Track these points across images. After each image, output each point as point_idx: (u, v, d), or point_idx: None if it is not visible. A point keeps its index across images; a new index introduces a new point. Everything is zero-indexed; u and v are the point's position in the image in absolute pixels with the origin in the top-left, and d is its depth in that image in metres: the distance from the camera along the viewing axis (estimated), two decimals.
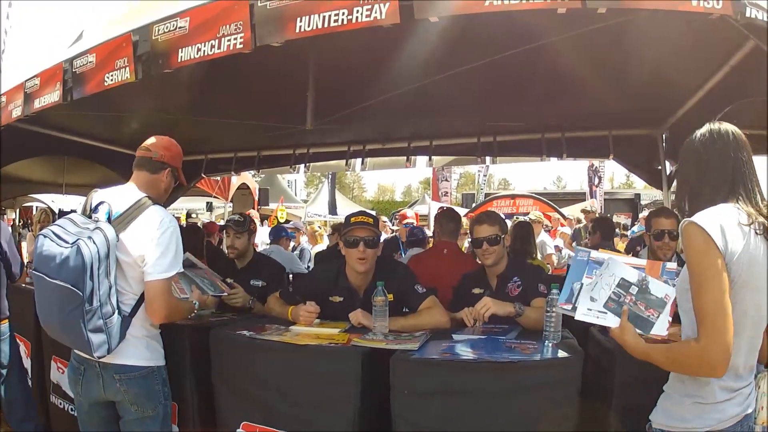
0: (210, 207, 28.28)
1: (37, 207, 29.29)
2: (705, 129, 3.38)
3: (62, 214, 15.69)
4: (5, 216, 21.23)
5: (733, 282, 3.01)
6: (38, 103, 6.05)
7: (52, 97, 5.84)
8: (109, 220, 4.45)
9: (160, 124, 8.22)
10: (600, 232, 10.94)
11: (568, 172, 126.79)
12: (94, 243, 4.21)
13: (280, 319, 5.71)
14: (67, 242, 4.28)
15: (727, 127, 3.33)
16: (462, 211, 24.02)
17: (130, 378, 4.54)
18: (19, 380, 6.87)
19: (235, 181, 21.25)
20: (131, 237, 4.45)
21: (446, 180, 36.33)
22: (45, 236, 4.39)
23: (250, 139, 10.52)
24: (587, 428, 4.16)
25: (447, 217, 8.41)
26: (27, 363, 7.33)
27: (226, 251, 7.49)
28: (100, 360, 4.44)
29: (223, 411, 5.05)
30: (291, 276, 9.16)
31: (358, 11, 3.98)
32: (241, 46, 4.46)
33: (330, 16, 4.08)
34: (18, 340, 7.28)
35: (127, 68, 5.16)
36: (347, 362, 4.56)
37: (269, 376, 4.84)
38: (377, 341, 4.86)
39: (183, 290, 5.44)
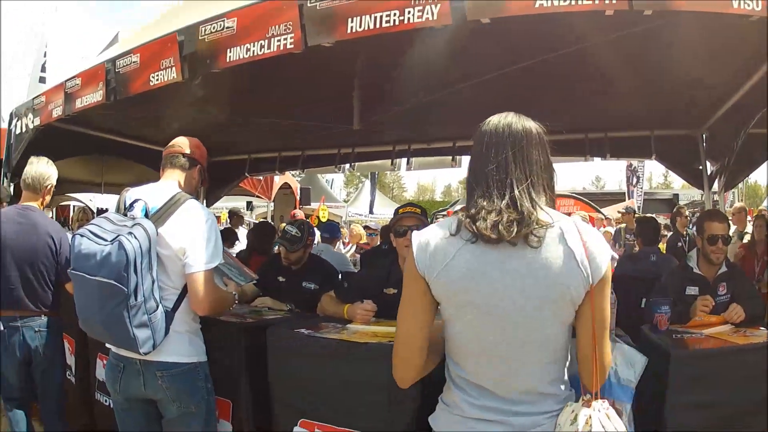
0: (250, 206, 28.44)
1: (75, 206, 29.52)
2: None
3: (101, 212, 15.91)
4: None
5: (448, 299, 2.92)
6: (80, 103, 6.16)
7: (94, 96, 5.94)
8: (146, 216, 4.45)
9: (204, 124, 8.38)
10: (641, 238, 10.35)
11: (606, 172, 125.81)
12: (136, 238, 4.19)
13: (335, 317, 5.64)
14: (105, 240, 4.25)
15: (492, 120, 3.05)
16: None
17: (172, 375, 4.49)
18: (61, 374, 6.73)
19: (278, 180, 21.36)
20: (170, 231, 4.44)
21: None
22: (82, 235, 4.36)
23: (293, 138, 10.51)
24: (643, 428, 4.00)
25: None
26: (71, 360, 7.26)
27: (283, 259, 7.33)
28: (142, 357, 4.39)
29: (279, 408, 4.95)
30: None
31: (409, 12, 4.02)
32: (292, 46, 4.49)
33: (381, 16, 4.11)
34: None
35: (174, 68, 5.24)
36: None
37: (328, 373, 4.72)
38: None
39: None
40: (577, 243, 2.78)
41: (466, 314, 2.87)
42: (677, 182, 77.62)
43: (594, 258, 2.78)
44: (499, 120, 3.02)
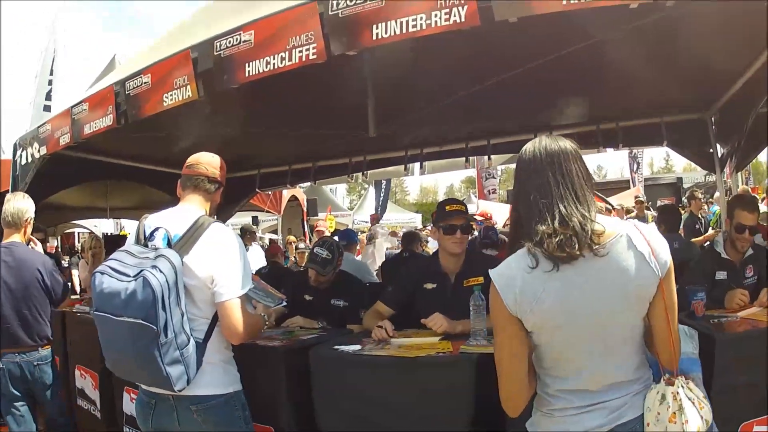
0: (256, 221, 28.40)
1: (79, 233, 29.57)
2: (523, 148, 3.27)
3: (108, 237, 15.92)
4: (47, 244, 21.27)
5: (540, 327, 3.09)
6: (89, 129, 6.09)
7: (104, 121, 5.86)
8: (168, 245, 4.26)
9: (212, 140, 8.20)
10: (664, 225, 10.47)
11: (606, 161, 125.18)
12: (161, 272, 4.00)
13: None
14: (128, 275, 4.05)
15: (528, 148, 3.21)
16: (508, 208, 24.07)
17: (208, 408, 4.32)
18: (61, 402, 6.92)
19: (286, 193, 21.42)
20: (196, 259, 4.25)
21: (493, 177, 35.92)
22: (102, 273, 4.16)
23: (304, 149, 10.45)
24: None
25: None
26: (94, 395, 7.29)
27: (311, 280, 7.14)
28: (175, 393, 4.22)
29: (326, 428, 4.90)
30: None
31: (436, 15, 3.93)
32: (315, 56, 4.39)
33: (408, 21, 4.02)
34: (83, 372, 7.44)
35: (189, 86, 5.13)
36: (461, 371, 4.50)
37: (377, 391, 4.72)
38: (485, 347, 4.73)
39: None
40: (644, 245, 2.99)
41: (561, 335, 3.07)
42: (678, 165, 77.45)
43: (659, 254, 3.00)
44: (534, 146, 3.18)
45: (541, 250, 2.96)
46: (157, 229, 4.32)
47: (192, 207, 4.61)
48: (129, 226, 28.65)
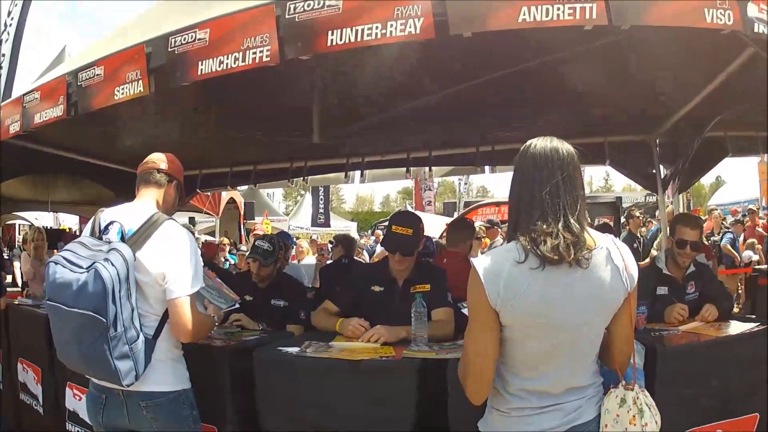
0: (193, 222, 28.31)
1: (20, 225, 29.22)
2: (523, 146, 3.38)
3: (50, 231, 15.73)
4: None
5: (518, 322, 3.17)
6: (39, 118, 5.91)
7: (54, 111, 5.70)
8: (122, 239, 4.22)
9: (157, 139, 8.21)
10: None
11: None
12: (113, 264, 3.97)
13: (319, 334, 5.69)
14: (81, 267, 4.05)
15: (538, 143, 3.30)
16: (444, 220, 24.21)
17: (157, 404, 4.29)
18: None
19: (225, 195, 21.39)
20: (149, 255, 4.21)
21: (429, 189, 36.11)
22: (56, 263, 4.15)
23: (245, 152, 10.45)
24: None
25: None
26: (37, 390, 7.16)
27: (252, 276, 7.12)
28: (124, 388, 4.19)
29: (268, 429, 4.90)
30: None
31: (392, 25, 3.97)
32: (268, 59, 4.35)
33: (363, 30, 4.04)
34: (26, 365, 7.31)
35: (140, 81, 5.00)
36: (404, 375, 4.56)
37: (321, 394, 4.72)
38: (426, 352, 4.88)
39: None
40: (620, 260, 3.18)
41: (536, 333, 3.15)
42: (618, 185, 78.45)
43: (630, 270, 3.21)
44: (544, 144, 3.27)
45: (532, 247, 3.05)
46: (111, 222, 4.32)
47: (146, 202, 4.60)
48: (68, 221, 28.32)
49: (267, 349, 5.17)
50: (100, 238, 4.28)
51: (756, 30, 3.97)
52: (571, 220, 3.09)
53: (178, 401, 4.40)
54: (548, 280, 3.06)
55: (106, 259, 4.00)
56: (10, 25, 17.79)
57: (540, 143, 3.28)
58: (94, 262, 4.01)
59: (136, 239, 4.25)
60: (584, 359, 3.30)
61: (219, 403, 5.03)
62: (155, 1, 7.12)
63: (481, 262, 3.18)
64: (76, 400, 6.19)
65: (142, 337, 4.16)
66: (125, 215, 4.40)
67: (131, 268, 4.10)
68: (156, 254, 4.24)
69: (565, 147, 3.26)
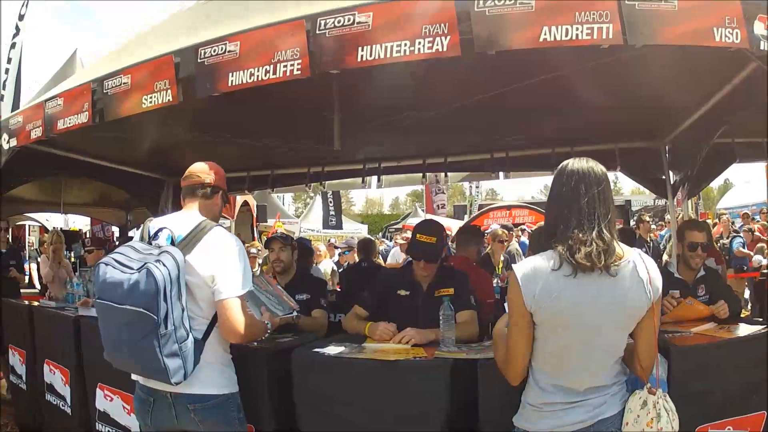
0: None
1: (29, 226, 29.00)
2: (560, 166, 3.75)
3: (67, 233, 15.74)
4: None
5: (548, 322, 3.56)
6: (62, 124, 5.97)
7: (79, 118, 5.75)
8: (172, 244, 4.36)
9: (173, 144, 8.53)
10: None
11: None
12: (164, 265, 4.10)
13: (350, 337, 5.86)
14: (132, 268, 4.16)
15: (575, 163, 3.66)
16: (455, 223, 24.32)
17: (205, 407, 4.40)
18: None
19: (239, 199, 21.46)
20: (198, 258, 4.34)
21: (442, 192, 35.85)
22: (107, 264, 4.28)
23: (263, 157, 10.46)
24: None
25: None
26: (65, 391, 7.17)
27: (272, 266, 7.52)
28: (173, 390, 4.33)
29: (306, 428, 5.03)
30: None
31: (420, 43, 4.12)
32: (299, 72, 4.45)
33: (392, 46, 4.17)
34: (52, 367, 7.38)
35: (169, 90, 5.09)
36: (438, 375, 4.66)
37: (357, 393, 4.86)
38: (457, 353, 5.05)
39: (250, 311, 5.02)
40: (645, 273, 3.52)
41: (563, 334, 3.56)
42: (626, 188, 77.86)
43: (654, 282, 3.55)
44: (580, 163, 3.66)
45: (567, 255, 3.43)
46: (161, 229, 4.48)
47: (193, 212, 4.74)
48: (78, 222, 28.08)
49: (304, 351, 5.29)
50: (150, 244, 4.45)
51: (762, 47, 4.11)
52: (604, 230, 3.45)
53: (227, 405, 4.54)
54: (578, 286, 3.44)
55: (158, 261, 4.14)
56: (22, 29, 17.74)
57: (576, 163, 3.65)
58: (145, 263, 4.14)
59: (185, 244, 4.40)
60: (604, 360, 3.65)
61: (256, 403, 5.11)
62: (181, 3, 7.24)
63: (520, 268, 3.61)
64: (107, 401, 6.28)
65: (191, 337, 4.28)
66: (174, 223, 4.58)
67: (182, 270, 4.24)
68: (205, 257, 4.38)
69: (598, 167, 3.64)
